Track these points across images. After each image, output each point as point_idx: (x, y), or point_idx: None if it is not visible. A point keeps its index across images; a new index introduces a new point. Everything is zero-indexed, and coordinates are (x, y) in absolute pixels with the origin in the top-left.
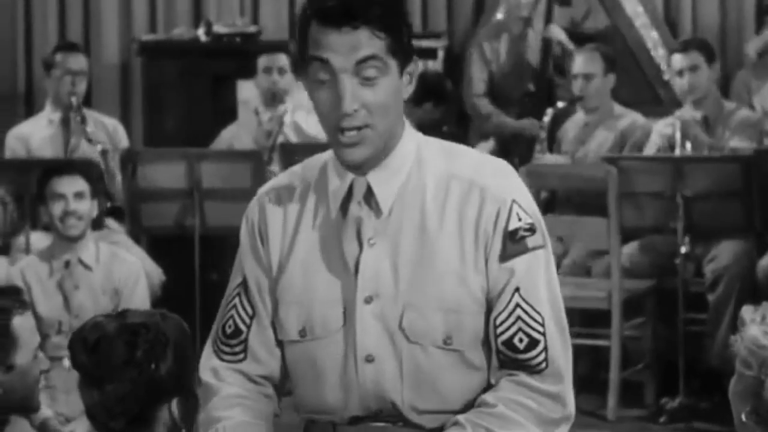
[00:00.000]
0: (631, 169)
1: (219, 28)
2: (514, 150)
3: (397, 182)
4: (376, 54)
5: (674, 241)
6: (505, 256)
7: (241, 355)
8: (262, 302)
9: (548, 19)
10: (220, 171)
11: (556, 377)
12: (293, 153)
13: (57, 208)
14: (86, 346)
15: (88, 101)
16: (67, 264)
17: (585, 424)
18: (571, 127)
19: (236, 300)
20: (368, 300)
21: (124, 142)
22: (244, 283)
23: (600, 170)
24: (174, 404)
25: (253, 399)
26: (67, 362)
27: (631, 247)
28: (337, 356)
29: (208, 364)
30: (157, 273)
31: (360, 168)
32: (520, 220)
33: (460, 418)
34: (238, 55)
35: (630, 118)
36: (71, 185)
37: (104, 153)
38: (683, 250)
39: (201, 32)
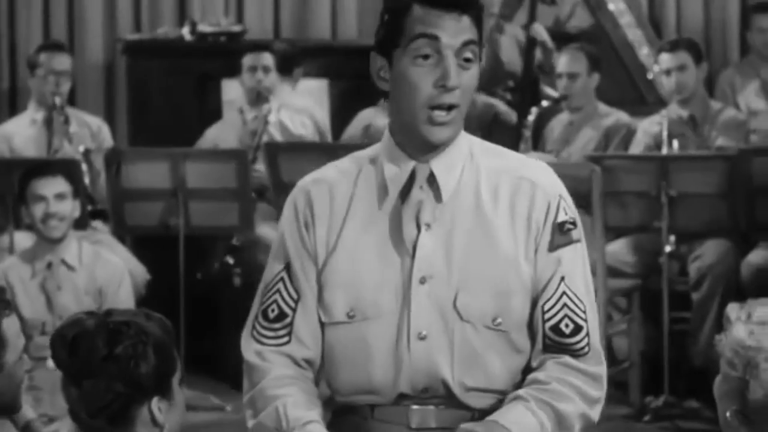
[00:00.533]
0: (616, 168)
1: (204, 28)
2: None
3: (456, 171)
4: (475, 40)
5: (659, 240)
6: (553, 247)
7: (286, 338)
8: (308, 286)
9: (532, 18)
10: (204, 170)
11: (597, 360)
12: (278, 152)
13: (38, 210)
14: (65, 342)
15: (72, 100)
16: (50, 265)
17: None
18: (556, 126)
19: (279, 285)
20: (423, 281)
21: (108, 141)
22: (288, 268)
23: (584, 169)
24: (154, 403)
25: (303, 381)
26: (51, 363)
27: (615, 246)
28: (388, 335)
29: (251, 348)
30: (141, 272)
31: (420, 151)
32: (566, 213)
33: (521, 392)
34: (223, 54)
35: (614, 117)
36: (52, 186)
37: (87, 153)
38: (668, 249)
39: (186, 31)
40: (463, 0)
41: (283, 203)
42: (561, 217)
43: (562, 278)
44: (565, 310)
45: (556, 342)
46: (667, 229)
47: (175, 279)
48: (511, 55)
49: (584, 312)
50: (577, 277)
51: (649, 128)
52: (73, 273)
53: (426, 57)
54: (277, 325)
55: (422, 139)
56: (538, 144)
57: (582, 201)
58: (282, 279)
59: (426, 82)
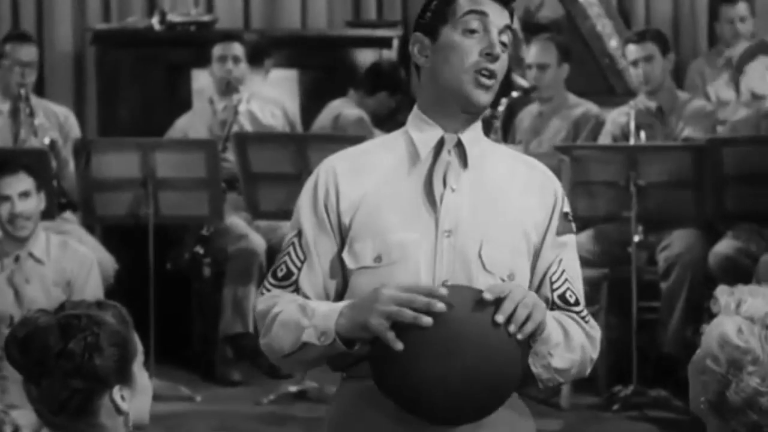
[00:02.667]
0: (585, 158)
1: (173, 17)
2: None
3: (481, 144)
4: (513, 27)
5: (627, 229)
6: (560, 232)
7: (294, 293)
8: (316, 249)
9: None
10: (174, 160)
11: (596, 328)
12: (248, 142)
13: (3, 210)
14: (17, 342)
15: (41, 90)
16: (18, 258)
17: (538, 413)
18: (525, 117)
19: (290, 248)
20: (448, 234)
21: (75, 131)
22: (299, 235)
23: (553, 159)
24: (116, 392)
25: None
26: None
27: (584, 236)
28: (412, 279)
29: (263, 297)
30: (110, 262)
31: (451, 120)
32: (567, 206)
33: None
34: (193, 44)
35: (584, 107)
36: (15, 185)
37: (53, 144)
38: (636, 238)
39: (155, 21)
40: None
41: (253, 193)
42: (566, 208)
43: (564, 260)
44: (567, 284)
45: (564, 309)
46: (636, 219)
47: (144, 269)
48: None
49: (579, 291)
50: (574, 260)
51: (616, 119)
52: (41, 266)
53: (473, 32)
54: (284, 283)
55: (466, 102)
56: (507, 134)
57: None
58: (292, 243)
59: (473, 51)
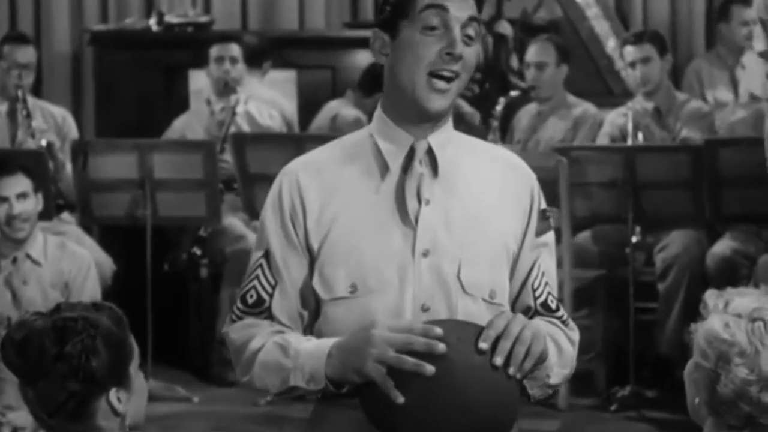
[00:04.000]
0: (583, 159)
1: (171, 18)
2: None
3: (449, 148)
4: (478, 18)
5: (625, 230)
6: (539, 232)
7: (266, 322)
8: (287, 272)
9: (498, 15)
10: (171, 161)
11: (575, 330)
12: (245, 143)
13: (0, 212)
14: (14, 345)
15: (39, 91)
16: (15, 260)
17: (536, 413)
18: (524, 116)
19: (258, 271)
20: (425, 253)
21: (73, 132)
22: (267, 255)
23: (550, 160)
24: (112, 394)
25: (295, 331)
26: None
27: (581, 237)
28: (391, 307)
29: (237, 326)
30: (108, 263)
31: (416, 126)
32: (544, 202)
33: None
34: (190, 45)
35: (582, 107)
36: (13, 186)
37: (50, 147)
38: (634, 239)
39: (153, 22)
40: None
41: (251, 194)
42: (543, 204)
43: (541, 264)
44: (548, 288)
45: (546, 315)
46: (633, 220)
47: (142, 270)
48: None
49: (555, 293)
50: (550, 260)
51: (614, 120)
52: (39, 267)
53: (433, 28)
54: (256, 310)
55: (419, 107)
56: (506, 134)
57: (549, 192)
58: (260, 266)
59: (431, 50)
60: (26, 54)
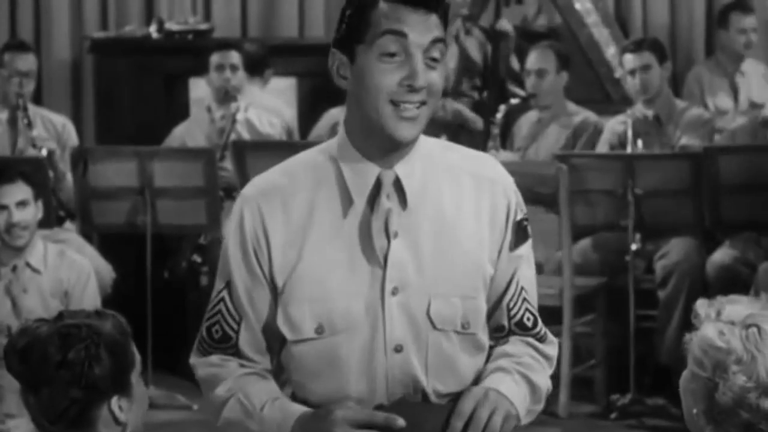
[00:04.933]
0: (583, 167)
1: (171, 26)
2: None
3: (417, 175)
4: (443, 38)
5: (625, 238)
6: (514, 246)
7: (234, 358)
8: (251, 306)
9: (497, 14)
10: (172, 169)
11: (553, 345)
12: (245, 150)
13: (0, 220)
14: (17, 351)
15: (39, 99)
16: (15, 268)
17: (536, 421)
18: (524, 124)
19: (221, 306)
20: (394, 291)
21: (73, 140)
22: (228, 288)
23: (551, 168)
24: (114, 402)
25: (256, 372)
26: None
27: (582, 244)
28: (361, 348)
29: (202, 361)
30: (108, 271)
31: (382, 155)
32: (521, 211)
33: (502, 363)
34: (191, 53)
35: (582, 115)
36: (13, 194)
37: (50, 155)
38: (634, 247)
39: (153, 29)
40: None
41: None
42: (519, 216)
43: (519, 279)
44: (526, 305)
45: (521, 334)
46: (633, 228)
47: (142, 277)
48: (477, 56)
49: (535, 303)
50: (528, 271)
51: (614, 127)
52: (39, 275)
53: (392, 55)
54: (223, 346)
55: (387, 137)
56: (506, 141)
57: (548, 199)
58: (223, 299)
59: (391, 80)
60: (27, 62)
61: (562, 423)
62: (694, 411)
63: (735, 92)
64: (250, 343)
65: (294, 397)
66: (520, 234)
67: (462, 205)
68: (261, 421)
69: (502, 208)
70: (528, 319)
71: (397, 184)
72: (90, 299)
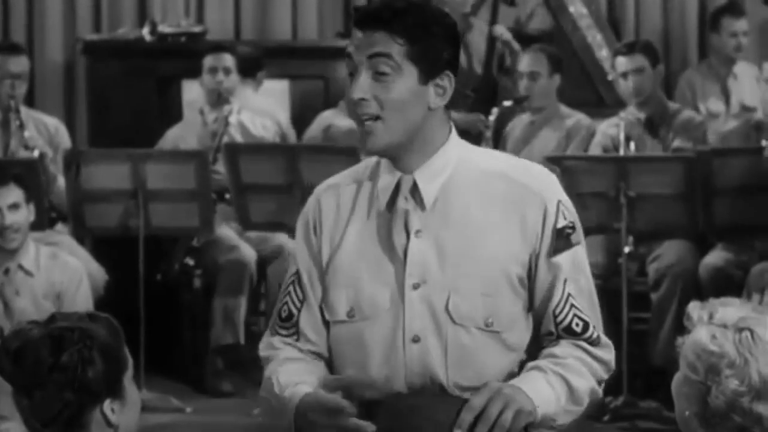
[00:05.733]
0: (575, 169)
1: (164, 28)
2: None
3: (440, 180)
4: (390, 53)
5: (618, 240)
6: (553, 252)
7: (294, 337)
8: (312, 289)
9: (494, 20)
10: (164, 171)
11: (607, 348)
12: (238, 153)
13: None
14: (10, 354)
15: (31, 101)
16: (7, 271)
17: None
18: (517, 126)
19: (291, 288)
20: (416, 286)
21: (65, 142)
22: (297, 273)
23: None
24: (106, 405)
25: (305, 361)
26: None
27: None
28: (383, 336)
29: (266, 342)
30: (100, 274)
31: (400, 162)
32: (565, 218)
33: (540, 363)
34: (183, 55)
35: (575, 118)
36: (5, 197)
37: (42, 158)
38: (627, 249)
39: (146, 32)
40: (377, 18)
41: (243, 204)
42: (561, 223)
43: (566, 281)
44: (574, 311)
45: (571, 339)
46: (626, 230)
47: (135, 280)
48: (480, 50)
49: (586, 309)
50: (580, 278)
51: (606, 130)
52: (31, 278)
53: (351, 75)
54: (287, 324)
55: (362, 148)
56: (498, 144)
57: None
58: (293, 282)
59: (348, 96)
60: (19, 64)
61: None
62: (687, 413)
63: (727, 95)
64: (309, 323)
65: None
66: (562, 241)
67: (491, 209)
68: (280, 402)
69: (536, 213)
70: (577, 324)
71: (415, 188)
72: (82, 302)
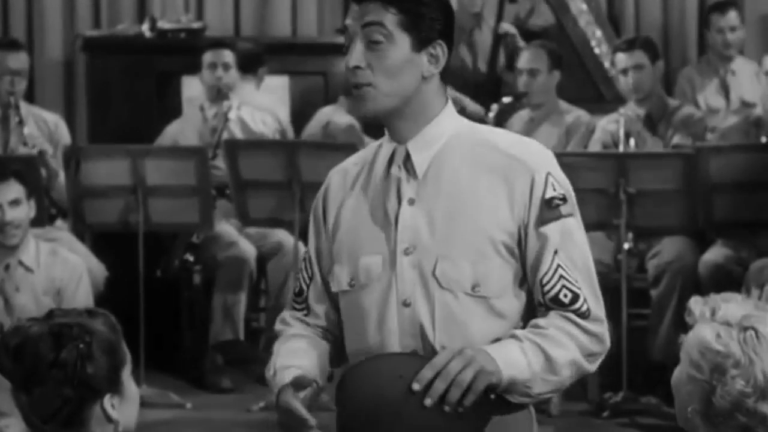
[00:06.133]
0: (575, 166)
1: (163, 24)
2: None
3: (432, 150)
4: (382, 22)
5: (617, 237)
6: (541, 222)
7: (305, 311)
8: (319, 266)
9: (500, 16)
10: (164, 167)
11: (598, 321)
12: (238, 149)
13: None
14: (9, 350)
15: (31, 97)
16: (7, 267)
17: None
18: (516, 123)
19: (304, 264)
20: (407, 251)
21: (65, 138)
22: (308, 251)
23: None
24: (106, 401)
25: (310, 338)
26: None
27: None
28: (378, 301)
29: (281, 316)
30: (100, 270)
31: (396, 132)
32: (554, 189)
33: (517, 332)
34: (183, 51)
35: (575, 114)
36: (5, 193)
37: (41, 154)
38: (626, 246)
39: (145, 28)
40: None
41: (243, 200)
42: (549, 193)
43: (555, 252)
44: (562, 281)
45: (559, 310)
46: (626, 227)
47: (134, 276)
48: (486, 48)
49: (577, 281)
50: (571, 249)
51: (606, 126)
52: (31, 274)
53: (347, 47)
54: (299, 299)
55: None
56: None
57: None
58: (305, 259)
59: (345, 66)
60: (18, 60)
61: (555, 421)
62: (689, 410)
63: (726, 91)
64: (317, 300)
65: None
66: (550, 211)
67: (480, 179)
68: (271, 384)
69: (524, 185)
70: (565, 296)
71: (407, 158)
72: (82, 298)
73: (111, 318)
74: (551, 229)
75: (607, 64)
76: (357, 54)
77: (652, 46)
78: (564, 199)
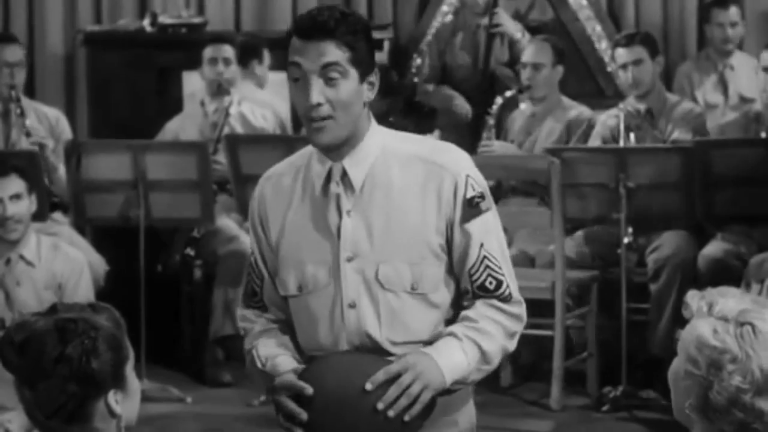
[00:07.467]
0: (575, 160)
1: (164, 19)
2: (459, 141)
3: (366, 165)
4: (338, 61)
5: (617, 231)
6: (465, 219)
7: (263, 309)
8: (266, 268)
9: (491, 12)
10: (165, 162)
11: (517, 303)
12: (239, 144)
13: None
14: (14, 345)
15: (32, 92)
16: (8, 261)
17: (528, 413)
18: (518, 117)
19: (251, 268)
20: (349, 259)
21: (66, 133)
22: (254, 256)
23: (543, 161)
24: (111, 396)
25: (277, 331)
26: None
27: (574, 238)
28: (327, 305)
29: (241, 314)
30: (101, 264)
31: (333, 152)
32: (473, 189)
33: (455, 329)
34: (184, 46)
35: (577, 110)
36: (6, 188)
37: (42, 147)
38: (626, 240)
39: (146, 23)
40: (322, 28)
41: (244, 195)
42: (470, 193)
43: (481, 245)
44: (488, 271)
45: (485, 296)
46: (625, 221)
47: (135, 271)
48: (482, 46)
49: (501, 268)
50: (492, 241)
51: (606, 121)
52: (32, 268)
53: (296, 80)
54: (255, 299)
55: (311, 143)
56: (500, 133)
57: (541, 193)
58: (251, 264)
59: (300, 99)
60: (14, 53)
61: (554, 415)
62: (686, 404)
63: (724, 87)
64: (270, 299)
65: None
66: (471, 210)
67: (410, 187)
68: (262, 375)
69: (448, 188)
70: (490, 283)
71: (345, 174)
72: (83, 292)
73: (115, 313)
74: (474, 225)
75: (606, 60)
76: (317, 92)
77: (652, 41)
78: (482, 197)
